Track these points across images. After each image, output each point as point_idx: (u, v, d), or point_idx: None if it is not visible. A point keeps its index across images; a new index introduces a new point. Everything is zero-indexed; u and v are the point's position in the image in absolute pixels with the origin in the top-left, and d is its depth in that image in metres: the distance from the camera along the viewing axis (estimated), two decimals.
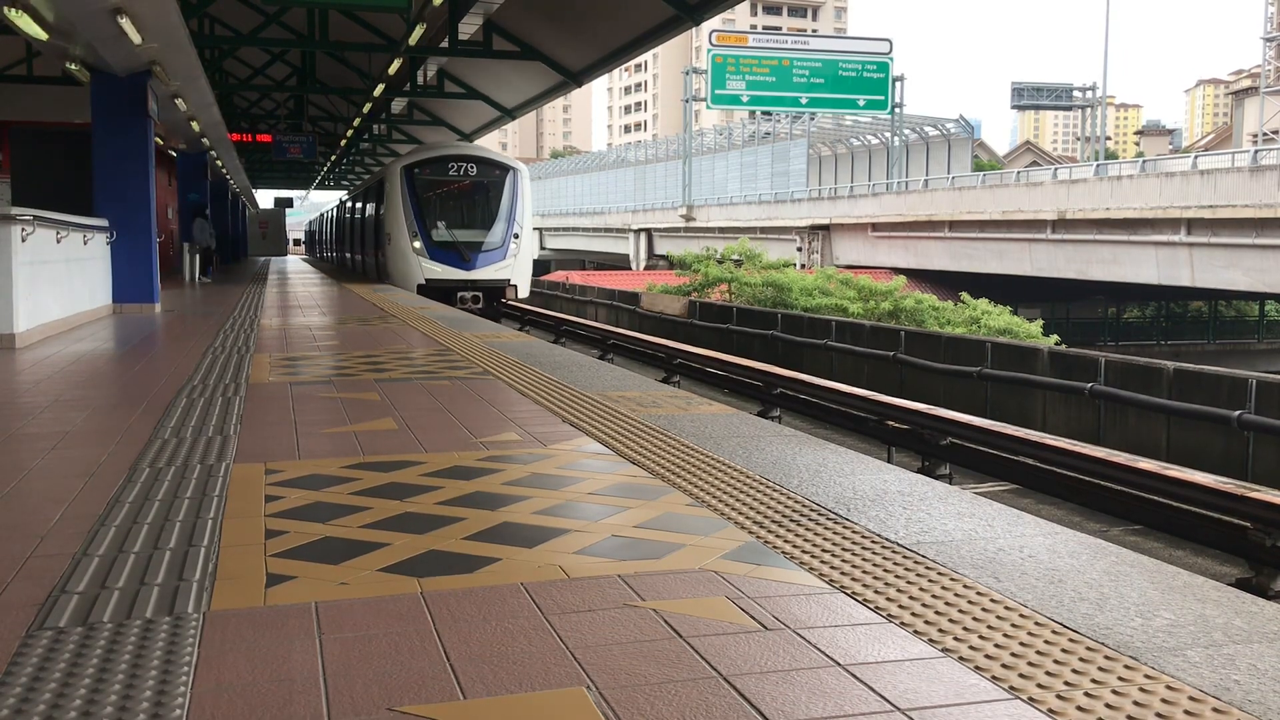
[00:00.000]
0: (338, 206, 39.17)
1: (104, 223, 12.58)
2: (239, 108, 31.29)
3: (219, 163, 28.61)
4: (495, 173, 21.29)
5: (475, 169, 21.14)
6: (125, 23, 10.34)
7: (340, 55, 23.38)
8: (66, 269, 10.59)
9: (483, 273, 20.64)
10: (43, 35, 11.07)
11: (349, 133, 31.76)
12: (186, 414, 5.40)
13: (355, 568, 2.88)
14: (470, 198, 21.50)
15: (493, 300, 20.94)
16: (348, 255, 33.96)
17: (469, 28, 19.56)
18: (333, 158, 41.28)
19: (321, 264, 40.74)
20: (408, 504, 3.56)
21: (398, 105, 30.72)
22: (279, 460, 4.29)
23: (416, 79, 24.03)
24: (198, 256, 22.03)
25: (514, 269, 20.96)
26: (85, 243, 11.48)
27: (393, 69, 20.00)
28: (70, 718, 1.95)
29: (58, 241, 10.05)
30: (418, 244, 20.26)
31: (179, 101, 16.05)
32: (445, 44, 18.30)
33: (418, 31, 16.04)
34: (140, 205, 13.29)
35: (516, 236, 20.96)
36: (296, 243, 71.27)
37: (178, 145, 23.10)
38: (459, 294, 20.15)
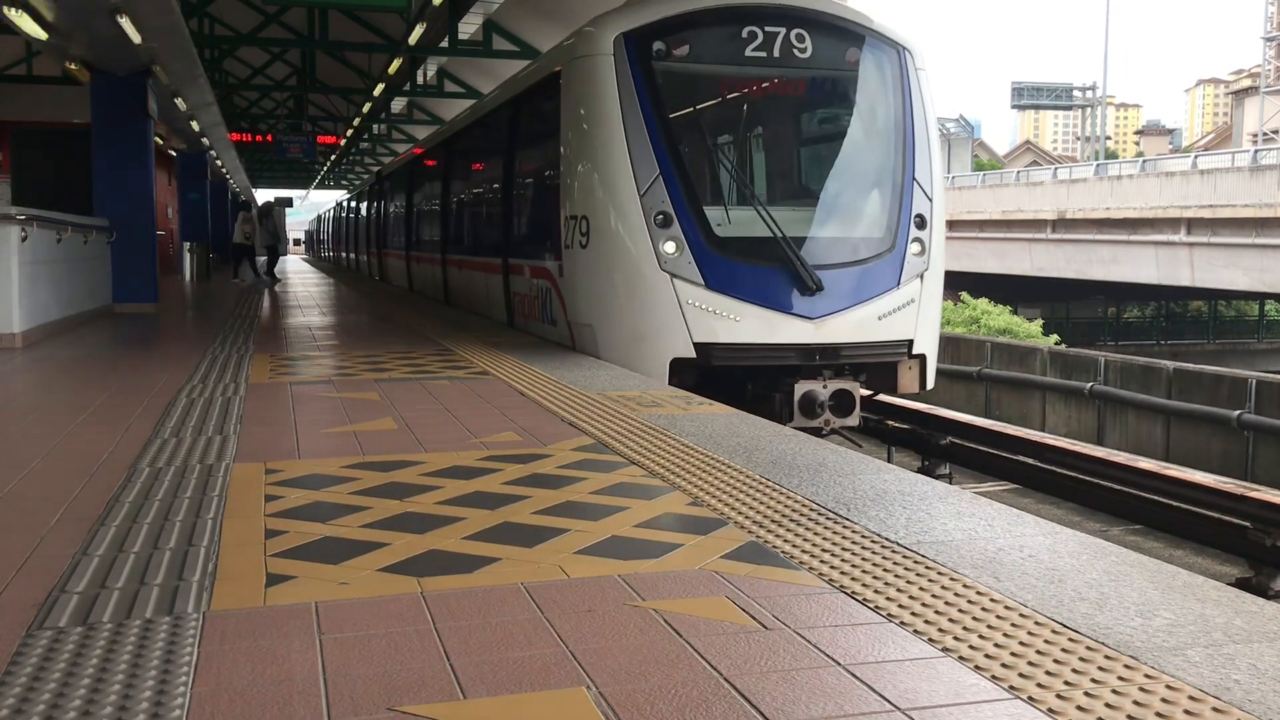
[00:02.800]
0: (373, 187, 25.14)
1: (104, 223, 12.58)
2: (239, 108, 31.29)
3: (219, 163, 28.60)
4: (861, 55, 8.38)
5: (811, 42, 8.11)
6: (125, 23, 10.34)
7: (340, 55, 23.37)
8: (66, 269, 10.58)
9: (846, 324, 7.75)
10: (43, 35, 11.07)
11: (349, 132, 31.73)
12: (186, 414, 5.40)
13: (355, 568, 2.87)
14: (802, 123, 8.97)
15: (865, 389, 8.31)
16: (375, 258, 23.69)
17: (469, 27, 19.56)
18: (333, 158, 41.25)
19: (342, 270, 32.23)
20: (408, 504, 3.56)
21: (398, 105, 30.72)
22: (279, 460, 4.29)
23: (416, 79, 24.04)
24: (244, 259, 21.78)
25: (918, 313, 8.08)
26: (85, 243, 11.48)
27: (393, 69, 19.99)
28: (70, 718, 1.95)
29: (58, 241, 10.05)
30: (669, 246, 7.56)
31: (179, 101, 16.05)
32: (445, 44, 18.30)
33: (418, 31, 16.04)
34: (140, 205, 13.28)
35: (920, 223, 8.14)
36: (297, 242, 71.31)
37: (178, 145, 23.09)
38: (786, 382, 7.73)
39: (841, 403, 7.56)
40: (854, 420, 7.70)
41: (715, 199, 7.90)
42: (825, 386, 7.56)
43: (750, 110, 8.63)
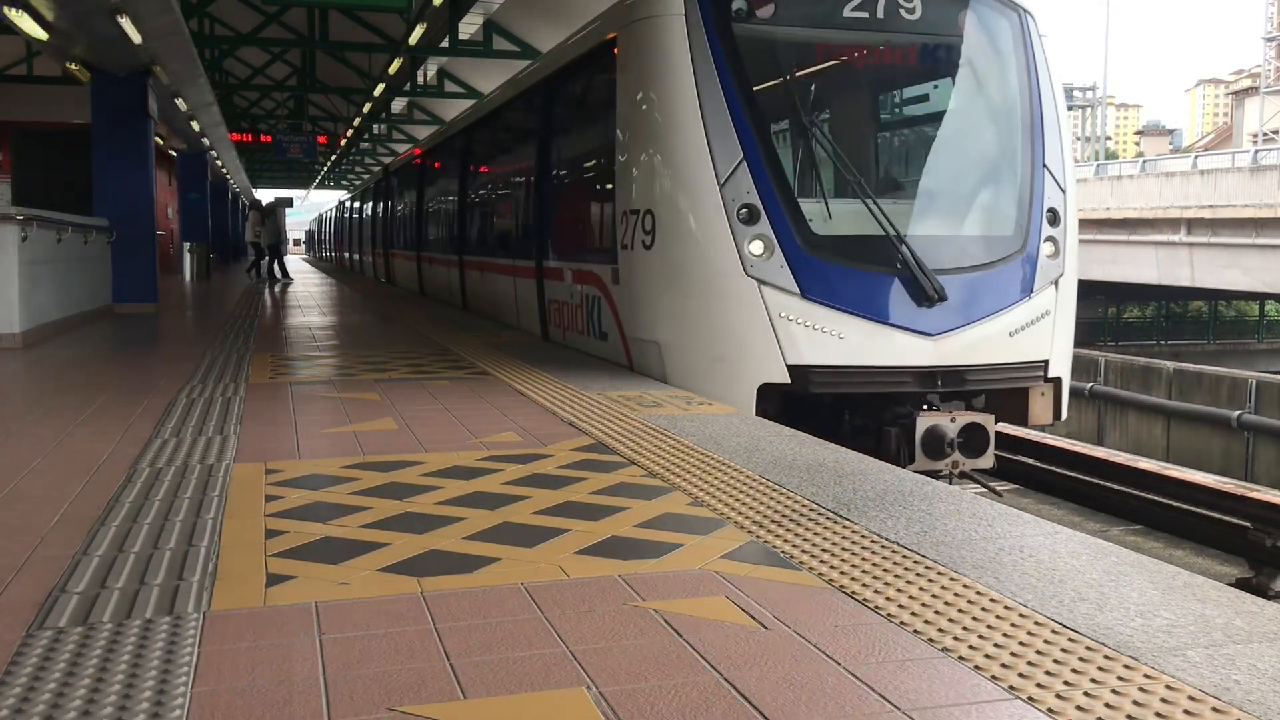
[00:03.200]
0: (379, 183, 23.54)
1: (104, 223, 12.58)
2: (239, 108, 31.29)
3: (219, 163, 28.61)
4: (979, 18, 7.03)
5: (921, 1, 6.76)
6: (125, 23, 10.34)
7: (340, 55, 23.38)
8: (66, 269, 10.59)
9: (972, 342, 6.34)
10: (43, 35, 11.09)
11: (349, 132, 31.74)
12: (186, 414, 5.40)
13: (355, 568, 2.88)
14: (913, 97, 7.76)
15: (988, 416, 6.53)
16: (381, 258, 22.14)
17: (469, 28, 19.57)
18: (333, 158, 41.26)
19: (344, 271, 31.11)
20: (408, 504, 3.56)
21: (398, 105, 30.73)
22: (279, 460, 4.29)
23: (416, 79, 24.05)
24: (260, 257, 21.93)
25: (1054, 328, 6.70)
26: (85, 243, 11.48)
27: (393, 69, 20.00)
28: (70, 718, 1.95)
29: (58, 241, 10.05)
30: (756, 246, 6.15)
31: (179, 101, 16.06)
32: (445, 44, 18.30)
33: (418, 31, 16.05)
34: (140, 205, 13.29)
35: (1053, 218, 6.79)
36: (296, 243, 71.46)
37: (178, 145, 23.09)
38: (898, 413, 6.41)
39: (973, 440, 6.25)
40: (988, 460, 6.34)
41: (811, 188, 6.62)
42: (954, 420, 6.22)
43: (851, 81, 7.28)
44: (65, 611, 2.52)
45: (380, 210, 22.71)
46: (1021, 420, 6.87)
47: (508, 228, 11.08)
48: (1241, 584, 6.23)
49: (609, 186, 7.26)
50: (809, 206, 6.35)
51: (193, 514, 3.43)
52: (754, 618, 2.50)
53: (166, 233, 23.52)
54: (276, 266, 22.11)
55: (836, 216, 6.39)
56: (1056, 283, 6.68)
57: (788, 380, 6.11)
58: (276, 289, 19.41)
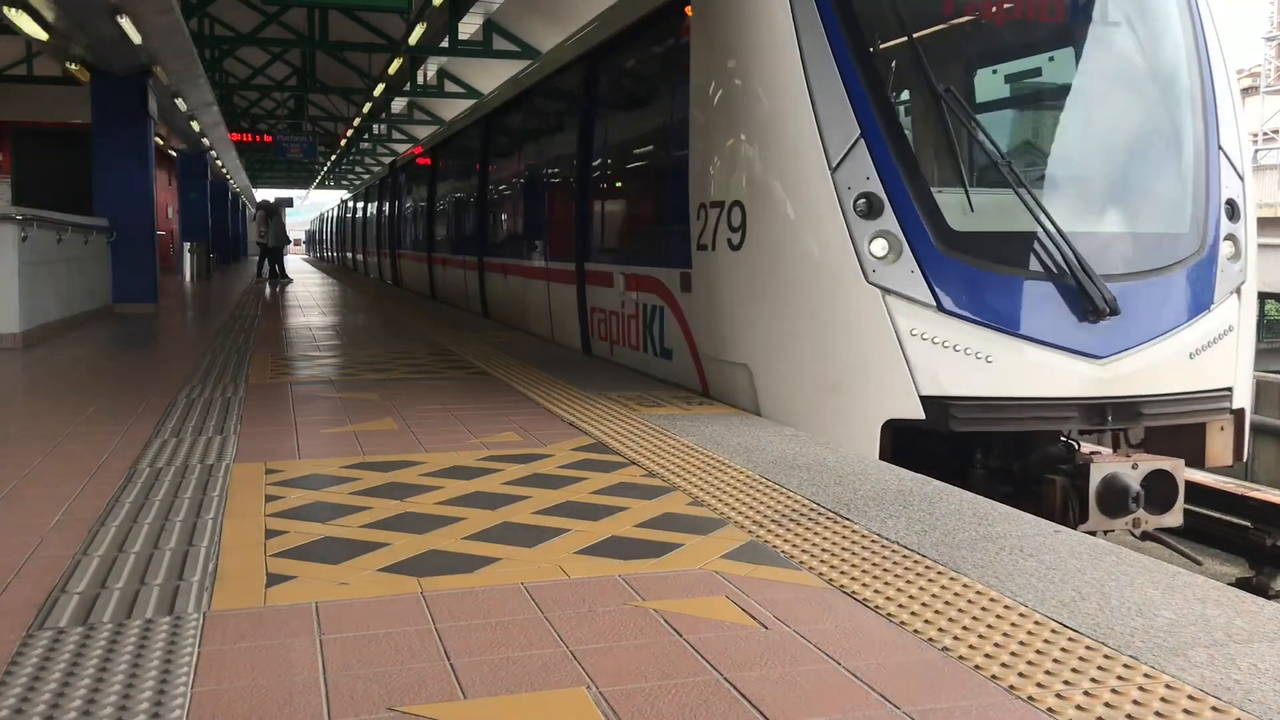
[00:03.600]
0: (385, 180, 22.17)
1: (104, 223, 12.59)
2: (239, 108, 31.31)
3: (219, 163, 28.62)
4: None
5: None
6: (125, 23, 10.35)
7: (340, 55, 23.40)
8: (66, 269, 10.59)
9: (1147, 365, 5.14)
10: (43, 35, 11.10)
11: (349, 132, 31.75)
12: (186, 414, 5.40)
13: (355, 568, 2.88)
14: (1066, 64, 5.88)
15: (1176, 461, 5.13)
16: (388, 259, 20.99)
17: (469, 28, 19.59)
18: (333, 158, 41.26)
19: (347, 272, 29.63)
20: (408, 504, 3.56)
21: (398, 105, 30.74)
22: (279, 460, 4.29)
23: (416, 79, 24.07)
24: (266, 258, 21.99)
25: (1237, 347, 5.49)
26: (85, 243, 11.49)
27: (393, 69, 20.01)
28: (70, 718, 1.95)
29: (58, 241, 10.05)
30: (879, 246, 5.01)
31: (179, 101, 16.07)
32: (445, 44, 18.32)
33: (418, 31, 16.07)
34: (140, 205, 13.30)
35: (1232, 211, 5.58)
36: (296, 243, 71.59)
37: (178, 145, 23.11)
38: (1057, 456, 5.25)
39: (1158, 491, 5.01)
40: (1175, 517, 5.10)
41: (948, 174, 5.32)
42: (1135, 467, 4.97)
43: (993, 43, 5.97)
44: (65, 612, 2.52)
45: (387, 208, 21.35)
46: (1198, 462, 5.56)
47: (540, 225, 9.69)
48: (1241, 584, 6.23)
49: (678, 175, 6.12)
50: (945, 196, 5.14)
51: (193, 514, 3.43)
52: (754, 618, 2.51)
53: (166, 233, 23.54)
54: (277, 267, 22.17)
55: (980, 209, 5.18)
56: (1238, 291, 5.51)
57: (921, 415, 4.92)
58: (276, 288, 19.44)
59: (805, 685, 2.12)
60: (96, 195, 13.11)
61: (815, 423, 5.13)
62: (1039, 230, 5.08)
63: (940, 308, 4.93)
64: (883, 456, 4.87)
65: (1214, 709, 1.99)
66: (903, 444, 5.02)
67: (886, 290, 4.95)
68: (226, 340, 9.37)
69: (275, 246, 22.07)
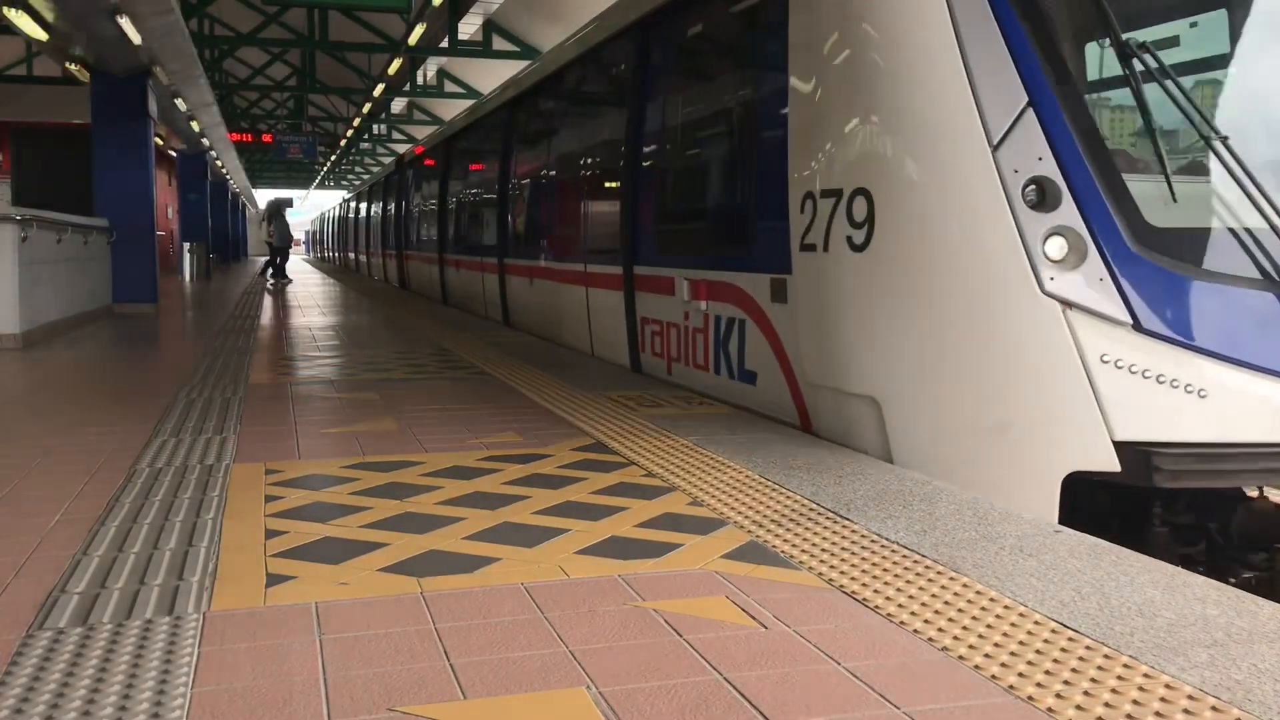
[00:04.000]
0: (390, 177, 21.12)
1: (104, 223, 12.59)
2: (239, 108, 31.31)
3: (219, 163, 28.63)
4: None
5: None
6: (125, 23, 10.36)
7: (340, 55, 23.41)
8: (66, 269, 10.60)
9: None
10: (43, 35, 11.10)
11: (349, 132, 31.75)
12: (186, 414, 5.40)
13: (355, 568, 2.88)
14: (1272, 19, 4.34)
15: None
16: (394, 260, 19.83)
17: (469, 28, 19.61)
18: (333, 158, 41.26)
19: (349, 273, 28.55)
20: (408, 504, 3.56)
21: (398, 105, 30.75)
22: (279, 460, 4.29)
23: (416, 79, 24.09)
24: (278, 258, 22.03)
25: None
26: (85, 243, 11.49)
27: (393, 69, 20.01)
28: (70, 718, 1.95)
29: (58, 241, 10.06)
30: (1055, 247, 3.89)
31: (179, 102, 16.07)
32: (445, 44, 18.32)
33: (418, 31, 16.08)
34: (140, 205, 13.30)
35: None
36: (296, 243, 71.64)
37: (178, 145, 23.12)
38: (1255, 512, 4.08)
39: None
40: None
41: (1145, 154, 4.17)
42: None
43: None
44: (65, 612, 2.52)
45: (394, 206, 20.11)
46: None
47: (578, 222, 8.59)
48: (1242, 584, 6.22)
49: (768, 160, 5.14)
50: (1140, 182, 4.01)
51: (192, 514, 3.43)
52: (754, 618, 2.51)
53: (166, 233, 23.55)
54: (278, 266, 22.23)
55: (1187, 198, 4.06)
56: None
57: (1115, 466, 3.83)
58: (276, 288, 19.47)
59: (805, 685, 2.13)
60: (96, 195, 13.12)
61: (971, 474, 4.04)
62: (1266, 226, 3.93)
63: (1138, 326, 3.83)
64: (1062, 518, 3.81)
65: (1214, 709, 1.99)
66: (1085, 500, 4.00)
67: (1067, 303, 3.85)
68: (226, 340, 9.37)
69: (281, 246, 22.16)
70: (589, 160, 8.54)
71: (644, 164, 7.08)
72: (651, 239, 6.89)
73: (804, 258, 4.68)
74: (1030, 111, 3.93)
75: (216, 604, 2.59)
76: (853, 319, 4.42)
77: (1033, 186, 3.91)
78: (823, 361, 4.64)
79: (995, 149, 3.94)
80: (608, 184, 7.92)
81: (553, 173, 9.61)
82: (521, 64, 21.35)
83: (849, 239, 4.34)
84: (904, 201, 4.15)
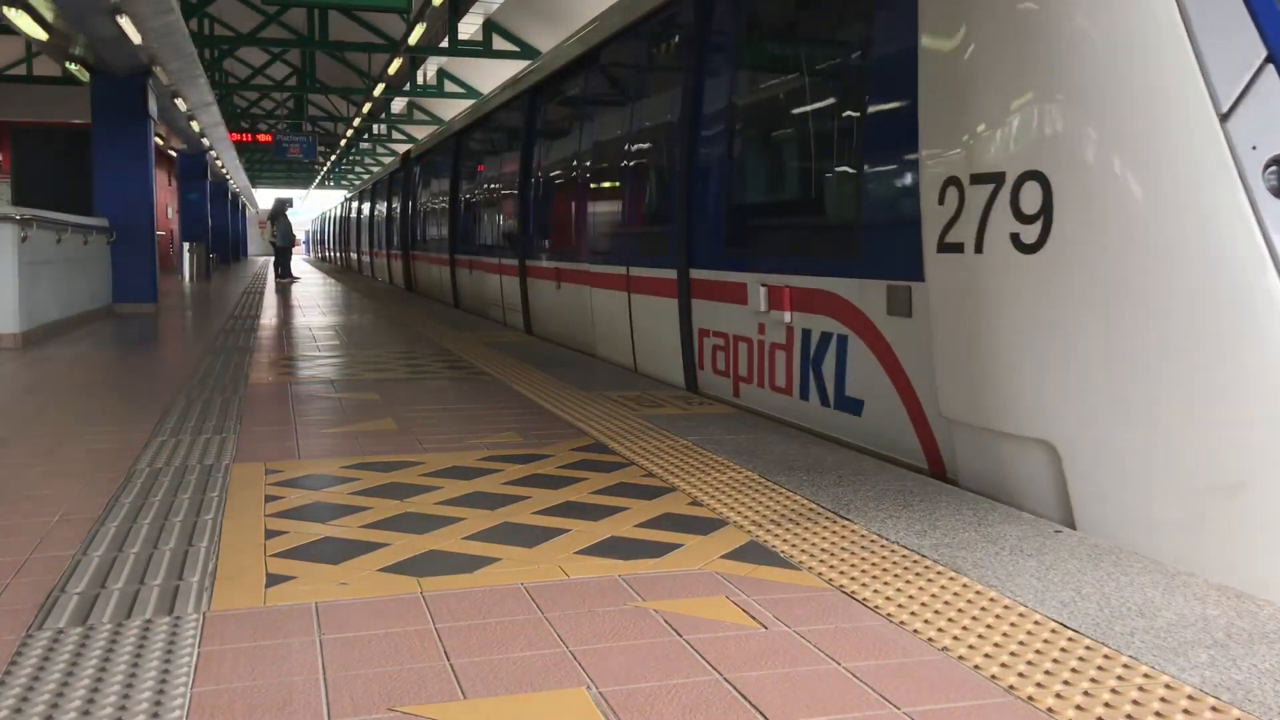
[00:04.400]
0: (395, 174, 20.10)
1: (104, 223, 12.59)
2: (239, 108, 31.31)
3: (219, 163, 28.64)
4: None
5: None
6: (125, 23, 10.36)
7: (340, 55, 23.42)
8: (66, 269, 10.60)
9: None
10: (42, 35, 11.10)
11: (349, 132, 31.75)
12: (186, 414, 5.40)
13: (355, 568, 2.88)
14: None
15: None
16: (400, 261, 18.74)
17: (469, 28, 19.62)
18: (333, 158, 41.26)
19: (351, 274, 27.93)
20: (408, 504, 3.56)
21: (397, 105, 30.75)
22: (279, 460, 4.29)
23: (416, 79, 24.09)
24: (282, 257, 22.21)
25: None
26: (85, 243, 11.49)
27: (393, 69, 20.02)
28: (69, 718, 1.95)
29: (58, 241, 10.06)
30: None
31: (179, 101, 16.07)
32: (445, 44, 18.33)
33: (418, 31, 16.08)
34: (140, 205, 13.31)
35: None
36: (297, 243, 71.71)
37: (178, 145, 23.12)
38: None
39: None
40: None
41: None
42: None
43: None
44: (65, 612, 2.52)
45: (400, 204, 18.93)
46: None
47: (616, 220, 7.60)
48: None
49: (880, 138, 4.28)
50: None
51: (192, 514, 3.43)
52: (754, 618, 2.51)
53: (166, 233, 23.55)
54: (282, 266, 22.37)
55: None
56: None
57: None
58: (281, 287, 19.51)
59: (805, 685, 2.12)
60: (96, 195, 13.12)
61: (1194, 543, 3.13)
62: None
63: None
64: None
65: (1213, 709, 1.99)
66: None
67: None
68: (226, 340, 9.37)
69: (284, 246, 22.29)
70: (630, 148, 7.38)
71: (703, 150, 6.00)
72: (714, 237, 5.85)
73: (943, 260, 3.75)
74: (1271, 69, 3.07)
75: (216, 604, 2.59)
76: (1019, 340, 3.46)
77: (1275, 168, 3.04)
78: (970, 393, 3.69)
79: (1225, 119, 3.06)
80: (656, 174, 6.93)
81: (587, 163, 8.38)
82: (521, 64, 21.36)
83: (1015, 236, 3.44)
84: (1095, 187, 3.24)
